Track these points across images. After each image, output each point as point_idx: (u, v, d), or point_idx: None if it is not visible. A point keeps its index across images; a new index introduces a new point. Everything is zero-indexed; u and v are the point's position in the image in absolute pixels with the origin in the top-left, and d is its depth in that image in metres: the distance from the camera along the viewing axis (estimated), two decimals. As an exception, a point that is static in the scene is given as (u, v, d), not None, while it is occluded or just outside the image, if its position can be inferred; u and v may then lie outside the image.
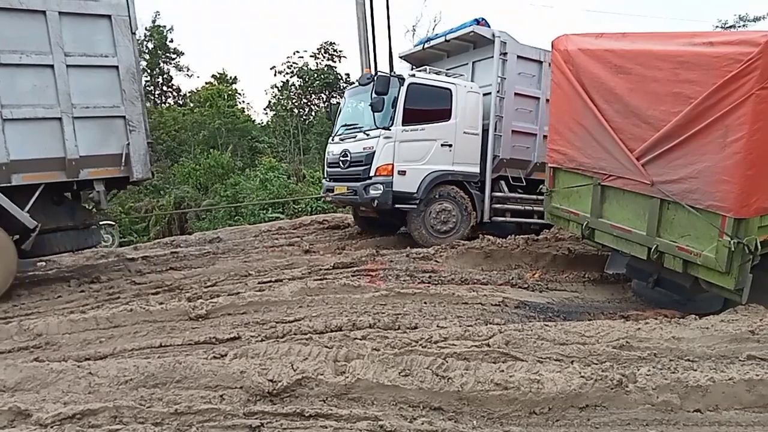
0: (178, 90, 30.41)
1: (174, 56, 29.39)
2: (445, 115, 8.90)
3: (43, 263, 9.05)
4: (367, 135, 8.77)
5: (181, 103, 29.41)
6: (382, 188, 8.50)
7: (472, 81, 9.59)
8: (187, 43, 50.24)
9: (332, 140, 9.95)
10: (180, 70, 30.05)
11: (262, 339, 4.37)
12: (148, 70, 28.18)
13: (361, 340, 4.30)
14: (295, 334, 4.47)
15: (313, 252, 8.67)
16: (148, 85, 28.54)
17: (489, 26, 9.32)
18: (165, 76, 29.47)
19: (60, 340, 4.57)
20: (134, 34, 6.81)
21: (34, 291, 6.45)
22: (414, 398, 3.39)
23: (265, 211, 16.70)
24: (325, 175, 10.14)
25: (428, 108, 8.81)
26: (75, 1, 6.39)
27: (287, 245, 9.35)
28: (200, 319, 4.96)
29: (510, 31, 9.20)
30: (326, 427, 3.00)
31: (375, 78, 8.46)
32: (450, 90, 8.93)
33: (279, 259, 7.65)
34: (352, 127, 9.43)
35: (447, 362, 3.65)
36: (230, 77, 29.66)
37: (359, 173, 8.79)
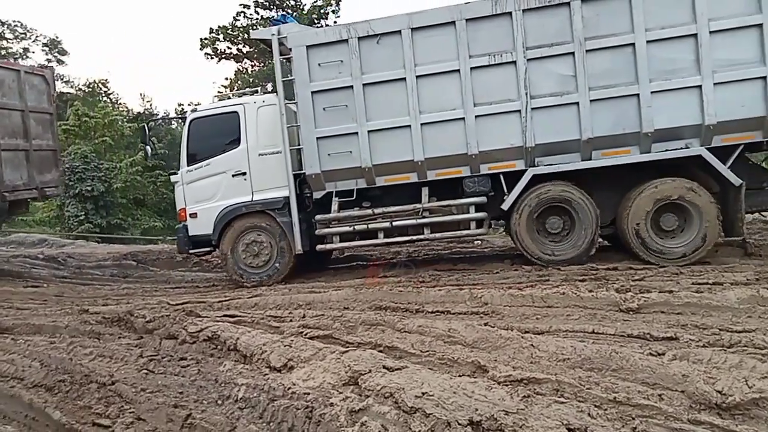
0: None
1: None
2: (235, 141, 8.18)
3: (480, 242, 10.48)
4: None
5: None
6: (178, 234, 8.52)
7: None
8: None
9: None
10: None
11: (704, 345, 3.99)
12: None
13: (840, 370, 3.48)
14: (746, 346, 3.91)
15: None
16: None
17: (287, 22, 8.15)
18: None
19: (502, 311, 5.20)
20: None
21: (476, 264, 7.52)
22: None
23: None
24: None
25: (216, 139, 8.30)
26: None
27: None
28: (631, 312, 4.86)
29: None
30: (798, 464, 2.55)
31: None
32: (236, 112, 8.17)
33: (713, 262, 6.84)
34: None
35: None
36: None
37: None
